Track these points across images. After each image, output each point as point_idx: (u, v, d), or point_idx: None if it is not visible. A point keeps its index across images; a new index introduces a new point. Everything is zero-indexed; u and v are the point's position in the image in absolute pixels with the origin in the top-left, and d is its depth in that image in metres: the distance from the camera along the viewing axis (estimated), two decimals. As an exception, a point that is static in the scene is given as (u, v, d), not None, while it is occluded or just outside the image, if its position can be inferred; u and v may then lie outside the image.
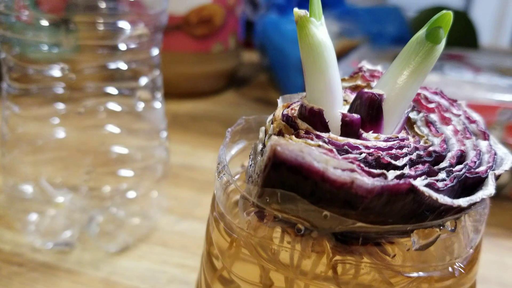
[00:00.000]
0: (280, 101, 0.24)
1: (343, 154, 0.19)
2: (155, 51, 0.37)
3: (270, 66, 0.72)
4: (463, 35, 0.70)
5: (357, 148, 0.20)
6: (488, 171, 0.20)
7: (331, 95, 0.20)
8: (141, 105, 0.37)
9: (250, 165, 0.22)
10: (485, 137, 0.22)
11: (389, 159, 0.19)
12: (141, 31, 0.34)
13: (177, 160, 0.53)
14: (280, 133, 0.21)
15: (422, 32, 0.21)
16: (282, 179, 0.18)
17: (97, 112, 0.35)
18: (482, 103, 0.44)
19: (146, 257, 0.39)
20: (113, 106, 0.35)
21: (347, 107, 0.24)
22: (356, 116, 0.20)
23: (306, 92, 0.21)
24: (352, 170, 0.17)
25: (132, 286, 0.36)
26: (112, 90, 0.35)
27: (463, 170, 0.19)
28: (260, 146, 0.22)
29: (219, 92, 0.71)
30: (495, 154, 0.21)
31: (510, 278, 0.39)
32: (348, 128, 0.20)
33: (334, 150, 0.19)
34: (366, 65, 0.27)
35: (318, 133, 0.20)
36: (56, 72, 0.34)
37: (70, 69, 0.33)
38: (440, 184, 0.18)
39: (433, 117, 0.23)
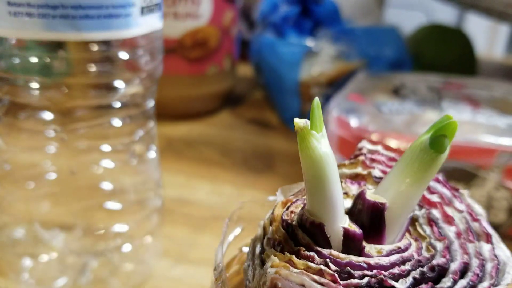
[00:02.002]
0: (279, 195, 0.24)
1: (345, 277, 0.19)
2: (151, 103, 0.37)
3: (265, 86, 0.71)
4: (460, 56, 0.69)
5: (359, 267, 0.19)
6: (492, 291, 0.19)
7: (332, 209, 0.20)
8: (135, 160, 0.36)
9: (249, 266, 0.22)
10: (488, 239, 0.22)
11: (392, 283, 0.19)
12: (136, 89, 0.33)
13: (171, 193, 0.52)
14: (280, 244, 0.20)
15: (425, 138, 0.20)
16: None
17: (91, 169, 0.34)
18: (481, 146, 0.44)
19: (140, 308, 0.39)
20: (107, 163, 0.35)
21: (348, 201, 0.23)
22: (358, 231, 0.20)
23: (306, 201, 0.20)
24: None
25: None
26: (106, 147, 0.34)
27: (467, 293, 0.19)
28: (258, 249, 0.22)
29: (214, 113, 0.71)
30: (498, 263, 0.21)
31: None
32: (350, 243, 0.20)
33: (336, 275, 0.18)
34: (366, 145, 0.27)
35: (319, 249, 0.19)
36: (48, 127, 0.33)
37: (63, 129, 0.32)
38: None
39: (436, 214, 0.23)
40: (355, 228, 0.20)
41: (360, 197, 0.21)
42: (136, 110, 0.35)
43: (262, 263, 0.20)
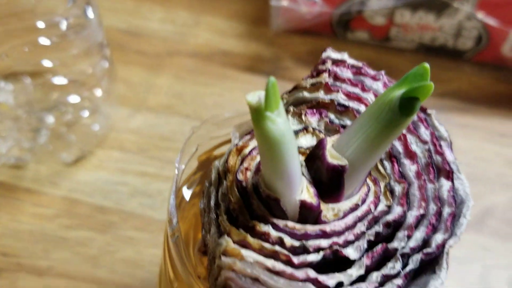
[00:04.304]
0: (233, 136, 0.22)
1: (300, 252, 0.19)
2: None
3: None
4: None
5: (315, 236, 0.19)
6: (444, 247, 0.20)
7: (288, 185, 0.18)
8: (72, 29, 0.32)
9: (205, 211, 0.21)
10: (449, 175, 0.22)
11: (346, 253, 0.19)
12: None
13: (119, 23, 0.48)
14: (234, 211, 0.19)
15: (396, 97, 0.18)
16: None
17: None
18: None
19: (104, 166, 0.40)
20: (43, 40, 0.31)
21: (307, 137, 0.22)
22: (315, 203, 0.19)
23: (262, 172, 0.19)
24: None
25: (94, 204, 0.37)
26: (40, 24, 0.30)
27: (419, 256, 0.19)
28: (213, 200, 0.21)
29: None
30: (455, 207, 0.21)
31: (459, 164, 0.41)
32: (307, 213, 0.19)
33: (291, 255, 0.18)
34: (331, 55, 0.24)
35: (275, 221, 0.19)
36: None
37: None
38: (394, 290, 0.19)
39: (398, 147, 0.22)
40: (312, 198, 0.19)
41: (320, 156, 0.19)
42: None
43: (219, 227, 0.20)
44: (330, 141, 0.20)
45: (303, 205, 0.19)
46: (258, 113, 0.17)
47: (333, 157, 0.19)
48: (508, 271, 0.36)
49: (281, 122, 0.17)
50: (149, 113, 0.43)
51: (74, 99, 0.40)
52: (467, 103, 0.45)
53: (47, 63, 0.38)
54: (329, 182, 0.19)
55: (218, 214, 0.20)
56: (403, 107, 0.18)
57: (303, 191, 0.19)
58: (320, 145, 0.20)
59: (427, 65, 0.18)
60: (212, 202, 0.21)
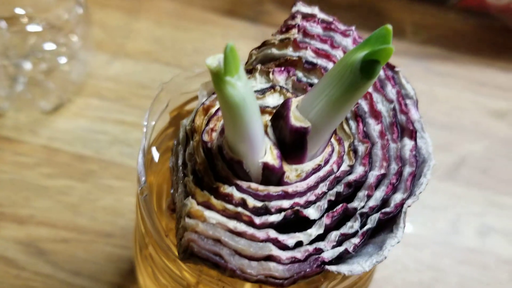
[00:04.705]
0: (200, 96, 0.22)
1: (262, 213, 0.19)
2: None
3: None
4: None
5: (277, 197, 0.19)
6: (402, 206, 0.20)
7: (251, 148, 0.19)
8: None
9: (173, 169, 0.22)
10: (412, 135, 0.22)
11: (306, 213, 0.19)
12: None
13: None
14: (199, 172, 0.20)
15: (357, 59, 0.18)
16: (200, 262, 0.18)
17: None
18: None
19: (83, 114, 0.40)
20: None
21: (274, 96, 0.22)
22: (277, 164, 0.19)
23: (225, 135, 0.19)
24: (268, 258, 0.18)
25: (74, 152, 0.38)
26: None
27: (377, 216, 0.20)
28: (181, 159, 0.21)
29: None
30: (416, 167, 0.21)
31: (435, 112, 0.42)
32: (270, 174, 0.19)
33: (253, 216, 0.19)
34: (301, 9, 0.24)
35: (238, 182, 0.19)
36: None
37: None
38: (351, 249, 0.19)
39: (364, 106, 0.22)
40: (274, 160, 0.19)
41: (284, 117, 0.20)
42: None
43: (185, 186, 0.20)
44: (295, 101, 0.20)
45: (266, 167, 0.19)
46: (218, 78, 0.17)
47: (296, 119, 0.19)
48: (478, 219, 0.37)
49: (241, 86, 0.17)
50: (128, 59, 0.42)
51: (50, 45, 0.39)
52: (449, 50, 0.45)
53: (22, 10, 0.38)
54: (292, 143, 0.20)
55: (185, 174, 0.21)
56: (364, 70, 0.18)
57: (267, 153, 0.20)
58: (285, 105, 0.20)
59: (390, 26, 0.18)
60: (180, 161, 0.21)
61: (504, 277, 0.35)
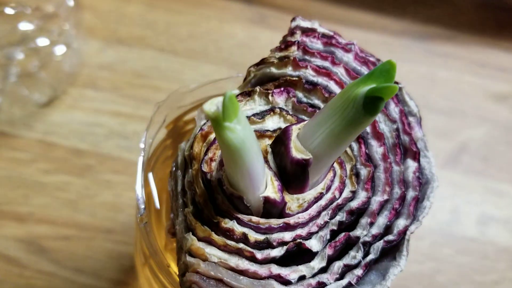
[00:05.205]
0: (198, 120, 0.21)
1: (264, 247, 0.19)
2: None
3: None
4: None
5: (279, 229, 0.19)
6: (405, 233, 0.20)
7: (251, 185, 0.18)
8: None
9: (172, 192, 0.22)
10: (415, 156, 0.22)
11: (309, 246, 0.19)
12: None
13: None
14: (199, 204, 0.20)
15: (360, 94, 0.17)
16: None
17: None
18: None
19: (78, 106, 0.39)
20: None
21: (274, 119, 0.21)
22: (279, 198, 0.19)
23: (226, 171, 0.19)
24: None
25: (71, 147, 0.37)
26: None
27: (380, 245, 0.20)
28: (180, 185, 0.21)
29: None
30: (419, 192, 0.21)
31: (436, 96, 0.41)
32: (271, 208, 0.19)
33: (254, 251, 0.19)
34: (301, 24, 0.23)
35: (239, 216, 0.19)
36: None
37: None
38: (354, 281, 0.19)
39: (366, 127, 0.22)
40: (276, 193, 0.19)
41: (284, 148, 0.19)
42: None
43: (185, 216, 0.20)
44: (295, 129, 0.20)
45: (267, 201, 0.19)
46: (216, 123, 0.16)
47: (297, 150, 0.19)
48: (478, 208, 0.37)
49: (240, 130, 0.17)
50: (121, 46, 0.41)
51: (41, 34, 0.38)
52: (450, 30, 0.43)
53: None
54: (293, 174, 0.19)
55: (185, 202, 0.21)
56: (367, 106, 0.17)
57: (268, 186, 0.19)
58: (285, 134, 0.20)
59: (394, 61, 0.18)
60: (179, 187, 0.21)
61: (503, 266, 0.35)
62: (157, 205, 0.24)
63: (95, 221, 0.35)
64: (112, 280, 0.34)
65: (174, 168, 0.22)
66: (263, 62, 0.22)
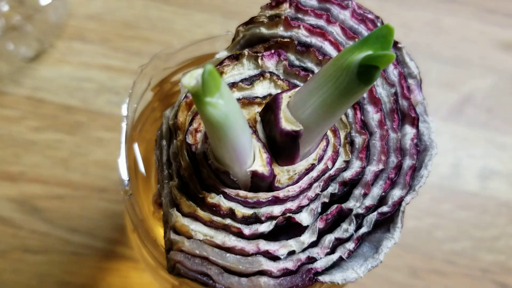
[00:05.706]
0: (182, 88, 0.20)
1: (252, 221, 0.18)
2: None
3: None
4: None
5: (268, 203, 0.18)
6: (400, 205, 0.19)
7: (238, 161, 0.17)
8: None
9: (158, 164, 0.21)
10: (414, 122, 0.20)
11: (298, 220, 0.18)
12: None
13: None
14: (184, 178, 0.19)
15: (355, 62, 0.16)
16: (189, 281, 0.18)
17: None
18: None
19: (66, 60, 0.38)
20: None
21: (264, 84, 0.20)
22: (267, 172, 0.18)
23: (211, 145, 0.18)
24: (259, 273, 0.17)
25: (60, 103, 0.36)
26: None
27: (373, 217, 0.19)
28: (165, 155, 0.20)
29: None
30: (416, 159, 0.20)
31: (440, 44, 0.39)
32: (259, 182, 0.18)
33: (242, 227, 0.18)
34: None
35: (226, 190, 0.18)
36: None
37: None
38: (345, 255, 0.19)
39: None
40: (264, 166, 0.18)
41: (274, 118, 0.18)
42: None
43: (170, 189, 0.19)
44: (285, 97, 0.18)
45: (255, 175, 0.18)
46: (197, 98, 0.15)
47: (287, 120, 0.18)
48: (480, 161, 0.36)
49: (223, 105, 0.15)
50: (109, -5, 0.39)
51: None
52: (458, -28, 0.41)
53: None
54: (283, 145, 0.18)
55: (170, 174, 0.20)
56: (361, 75, 0.16)
57: (256, 159, 0.18)
58: (275, 102, 0.18)
59: (391, 26, 0.16)
60: (164, 158, 0.20)
61: (502, 221, 0.35)
62: (144, 173, 0.23)
63: (88, 180, 0.34)
64: (107, 239, 0.33)
65: (158, 135, 0.21)
66: (252, 21, 0.21)
